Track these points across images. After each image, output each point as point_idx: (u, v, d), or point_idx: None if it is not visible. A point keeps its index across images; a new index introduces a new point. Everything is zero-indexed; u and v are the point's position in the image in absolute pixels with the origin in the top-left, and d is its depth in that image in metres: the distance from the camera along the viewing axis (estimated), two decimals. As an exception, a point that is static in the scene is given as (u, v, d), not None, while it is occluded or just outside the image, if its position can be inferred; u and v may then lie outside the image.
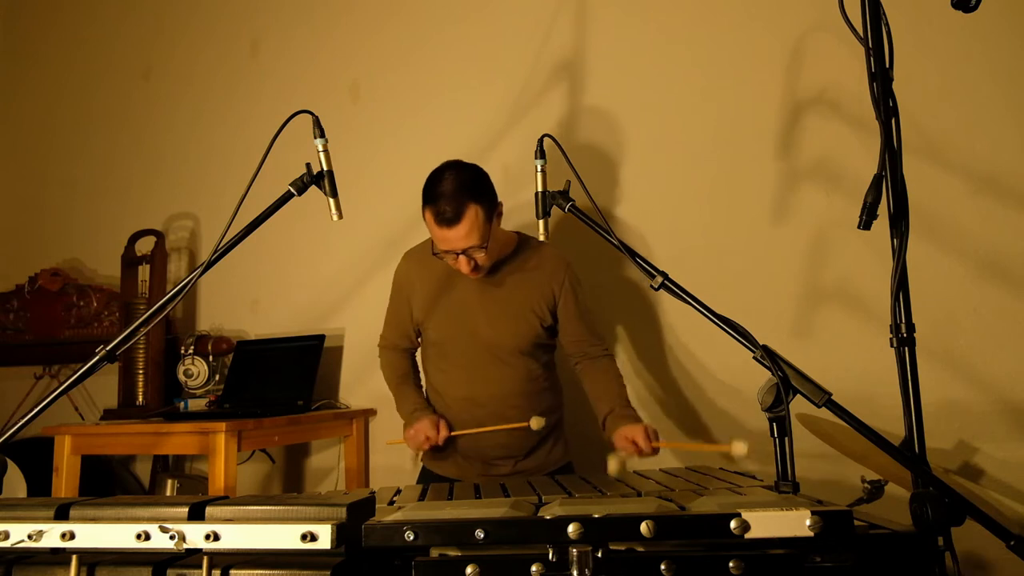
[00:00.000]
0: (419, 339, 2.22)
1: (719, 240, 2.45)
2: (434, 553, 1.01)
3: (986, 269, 2.15)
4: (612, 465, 1.81)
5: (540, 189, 1.59)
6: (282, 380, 2.80)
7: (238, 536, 0.98)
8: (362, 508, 1.04)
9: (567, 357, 2.18)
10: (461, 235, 1.87)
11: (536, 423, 2.01)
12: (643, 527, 0.95)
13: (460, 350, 2.08)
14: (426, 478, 2.19)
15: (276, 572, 1.00)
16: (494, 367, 2.06)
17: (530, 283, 2.08)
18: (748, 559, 0.95)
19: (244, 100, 3.21)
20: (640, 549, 0.99)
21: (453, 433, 2.06)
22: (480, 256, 1.93)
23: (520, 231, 2.18)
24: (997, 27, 2.15)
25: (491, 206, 1.94)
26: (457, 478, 2.07)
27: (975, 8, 1.24)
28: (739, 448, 1.62)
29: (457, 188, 1.87)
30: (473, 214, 1.87)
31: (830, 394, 1.23)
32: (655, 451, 1.87)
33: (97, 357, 1.44)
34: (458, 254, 1.91)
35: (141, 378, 3.01)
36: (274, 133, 1.53)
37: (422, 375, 2.26)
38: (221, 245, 1.53)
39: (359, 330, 2.89)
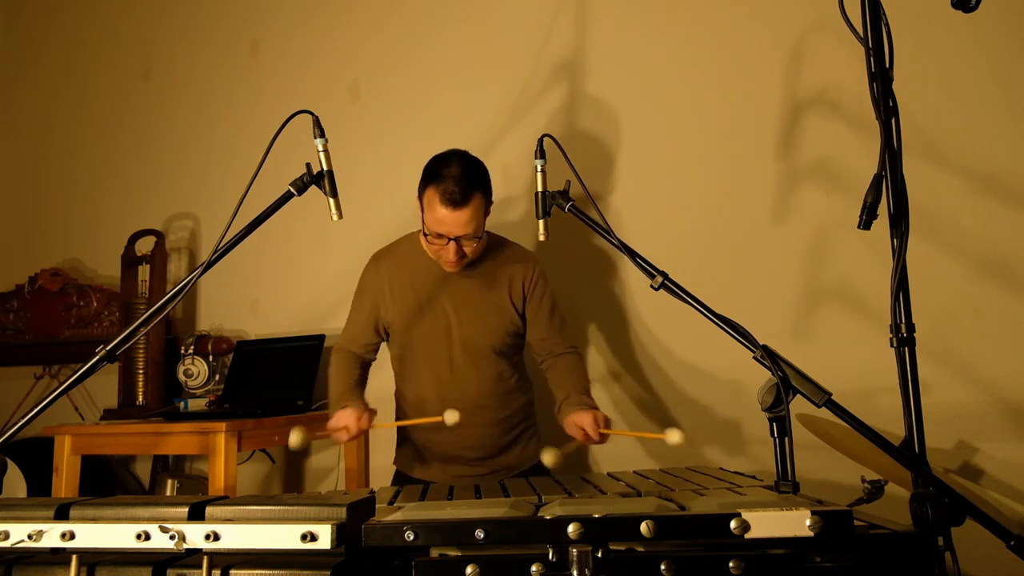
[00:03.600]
0: (376, 347, 2.17)
1: (719, 240, 2.45)
2: (434, 553, 1.01)
3: (986, 269, 2.15)
4: (547, 458, 1.76)
5: (540, 189, 1.59)
6: (282, 380, 2.80)
7: (238, 536, 0.98)
8: (362, 508, 1.04)
9: (534, 356, 2.17)
10: (463, 220, 1.87)
11: (450, 416, 1.88)
12: (643, 527, 0.95)
13: (432, 351, 2.07)
14: (400, 482, 2.17)
15: (276, 572, 1.00)
16: (466, 368, 2.05)
17: (500, 282, 2.07)
18: (748, 559, 0.95)
19: (244, 100, 3.21)
20: (640, 549, 0.99)
21: (374, 426, 1.97)
22: (470, 248, 1.94)
23: (489, 231, 2.19)
24: (997, 27, 2.15)
25: (489, 200, 1.96)
26: (431, 480, 2.05)
27: (975, 8, 1.24)
28: (673, 436, 1.66)
29: (466, 173, 1.88)
30: (478, 202, 1.89)
31: (830, 394, 1.23)
32: (603, 438, 1.86)
33: (97, 357, 1.44)
34: (450, 240, 1.90)
35: (141, 378, 3.00)
36: (274, 133, 1.53)
37: (395, 380, 2.20)
38: (221, 245, 1.53)
39: (359, 330, 2.90)
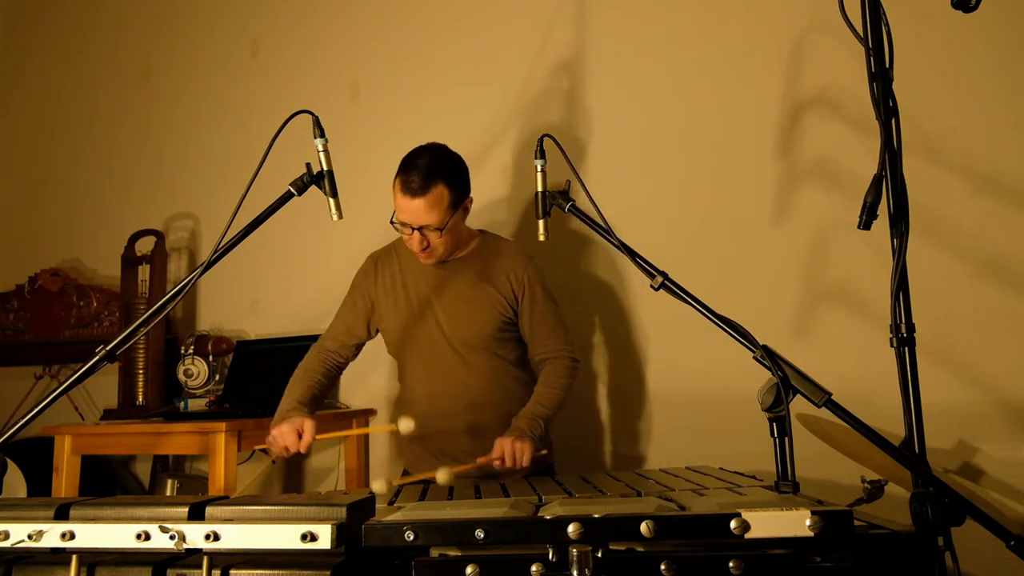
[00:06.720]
0: (358, 346, 2.17)
1: (719, 240, 2.45)
2: (434, 553, 1.01)
3: (986, 269, 2.15)
4: (440, 476, 1.72)
5: (540, 189, 1.59)
6: (282, 380, 2.77)
7: (238, 536, 0.98)
8: (362, 508, 1.04)
9: (530, 357, 2.14)
10: (421, 209, 1.89)
11: (404, 425, 1.89)
12: (643, 527, 0.95)
13: (420, 345, 2.09)
14: None
15: (276, 572, 1.00)
16: (456, 361, 2.06)
17: (488, 277, 2.07)
18: (748, 559, 0.95)
19: (244, 100, 3.21)
20: (640, 549, 0.99)
21: (317, 438, 1.89)
22: (434, 238, 1.95)
23: (485, 229, 2.19)
24: (997, 27, 2.15)
25: (460, 195, 1.96)
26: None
27: (975, 8, 1.24)
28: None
29: (432, 164, 1.91)
30: (439, 193, 1.90)
31: (830, 394, 1.23)
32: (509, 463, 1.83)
33: (97, 357, 1.44)
34: (413, 229, 1.92)
35: (141, 378, 3.00)
36: (274, 133, 1.53)
37: (398, 379, 2.21)
38: (221, 245, 1.53)
39: (359, 330, 2.89)
